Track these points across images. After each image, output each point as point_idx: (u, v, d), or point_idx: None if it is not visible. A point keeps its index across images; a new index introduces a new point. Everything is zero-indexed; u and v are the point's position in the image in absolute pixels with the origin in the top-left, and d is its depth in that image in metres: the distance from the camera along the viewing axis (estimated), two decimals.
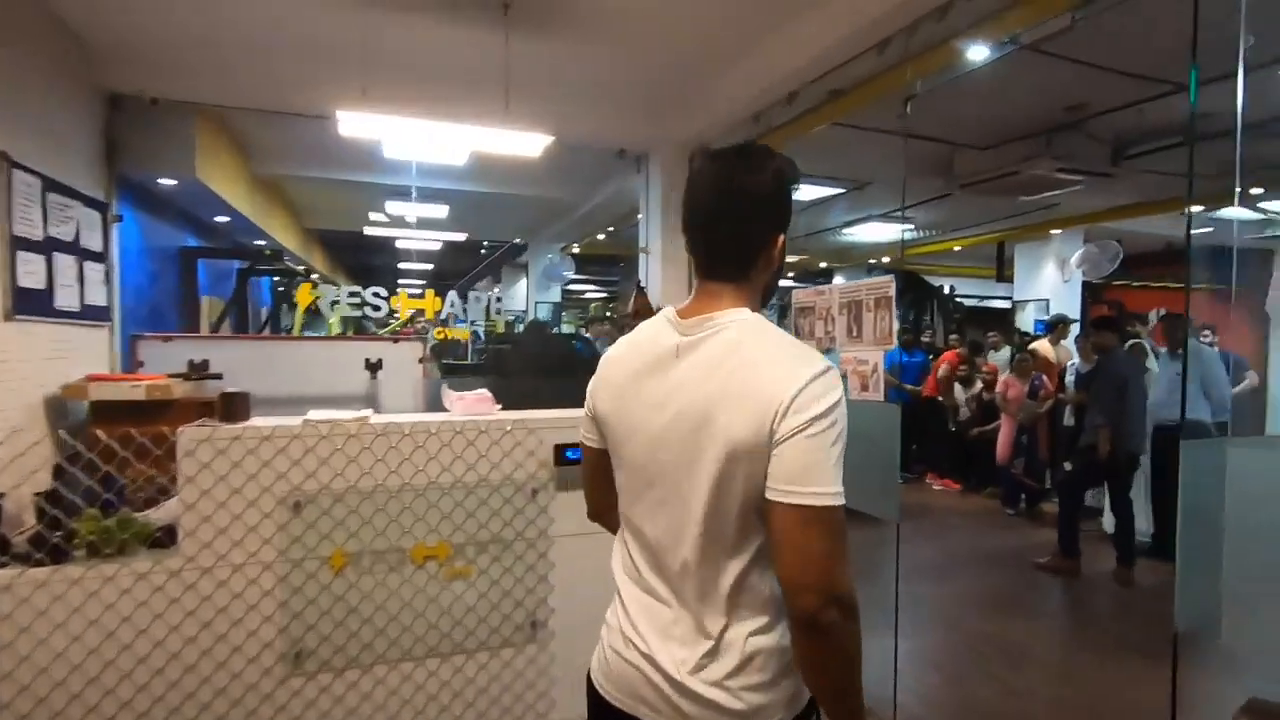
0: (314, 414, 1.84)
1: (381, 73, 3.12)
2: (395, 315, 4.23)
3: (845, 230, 7.68)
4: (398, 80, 3.21)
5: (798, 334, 3.21)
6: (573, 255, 8.70)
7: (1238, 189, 4.94)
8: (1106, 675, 3.11)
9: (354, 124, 2.54)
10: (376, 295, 3.73)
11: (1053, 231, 6.73)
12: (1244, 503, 1.62)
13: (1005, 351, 7.37)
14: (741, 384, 0.84)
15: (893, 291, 2.49)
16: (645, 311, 4.26)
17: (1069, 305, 6.96)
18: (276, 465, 1.72)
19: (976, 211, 6.69)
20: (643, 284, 4.45)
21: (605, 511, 1.08)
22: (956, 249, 7.73)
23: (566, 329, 10.25)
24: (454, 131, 2.69)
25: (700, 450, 0.85)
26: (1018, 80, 3.51)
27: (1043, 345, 6.78)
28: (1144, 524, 4.77)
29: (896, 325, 2.54)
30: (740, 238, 0.91)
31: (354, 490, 1.81)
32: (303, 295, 3.65)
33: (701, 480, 0.85)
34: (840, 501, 0.80)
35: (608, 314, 7.40)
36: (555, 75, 3.34)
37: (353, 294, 3.73)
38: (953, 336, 7.24)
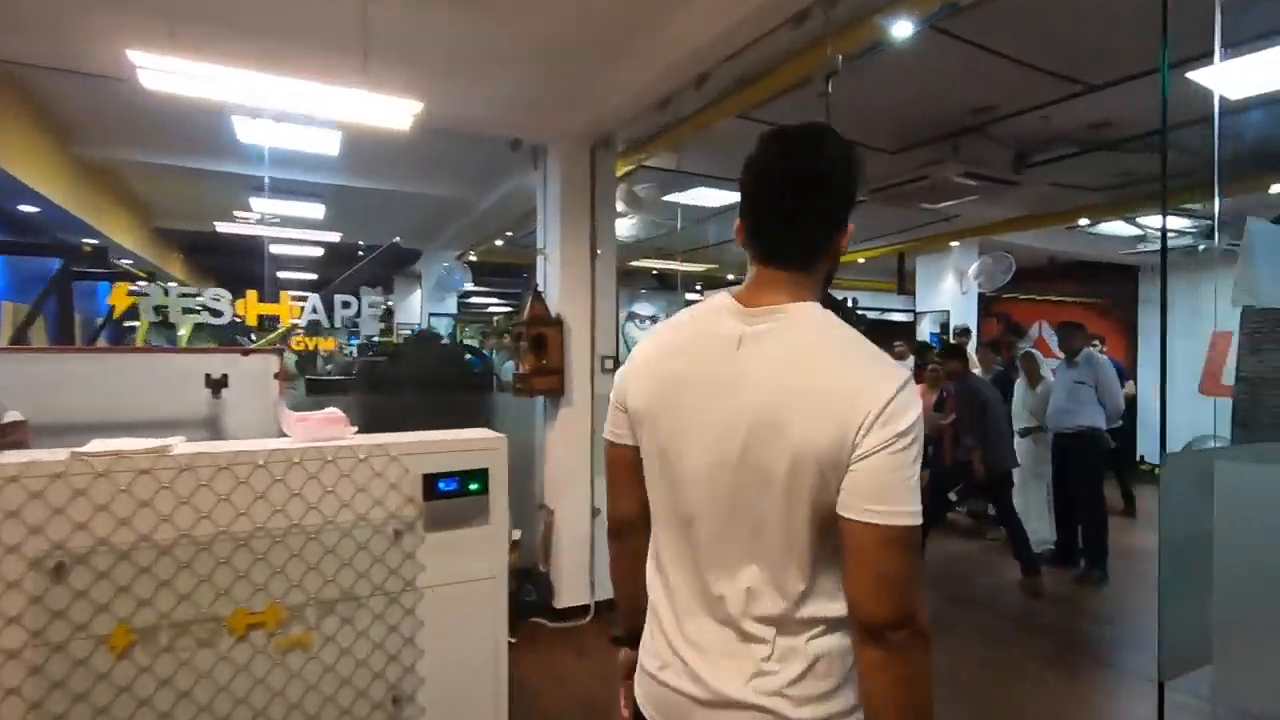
0: (95, 444, 1.46)
1: (200, 23, 2.56)
2: (277, 324, 3.57)
3: None
4: (223, 35, 2.65)
5: None
6: (470, 263, 8.13)
7: (1164, 198, 5.20)
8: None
9: (156, 72, 1.99)
10: (217, 298, 3.10)
11: (952, 244, 6.84)
12: (1236, 521, 1.40)
13: (910, 361, 7.42)
14: (821, 386, 0.79)
15: None
16: (541, 319, 3.83)
17: (967, 317, 7.10)
18: (29, 516, 1.35)
19: (880, 222, 6.70)
20: (540, 289, 4.02)
21: (634, 521, 0.99)
22: (860, 261, 7.76)
23: (472, 343, 9.65)
24: (288, 88, 2.18)
25: (767, 452, 0.80)
26: (929, 77, 3.38)
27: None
28: (1047, 531, 4.82)
29: None
30: (811, 223, 0.86)
31: (147, 544, 1.45)
32: (118, 297, 2.97)
33: (767, 484, 0.80)
34: (919, 521, 0.77)
35: (510, 328, 6.93)
36: (426, 40, 2.88)
37: (185, 294, 3.09)
38: None
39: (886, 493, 0.76)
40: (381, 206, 5.98)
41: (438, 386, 4.23)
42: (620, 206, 4.45)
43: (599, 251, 3.99)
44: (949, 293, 7.04)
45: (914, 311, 7.69)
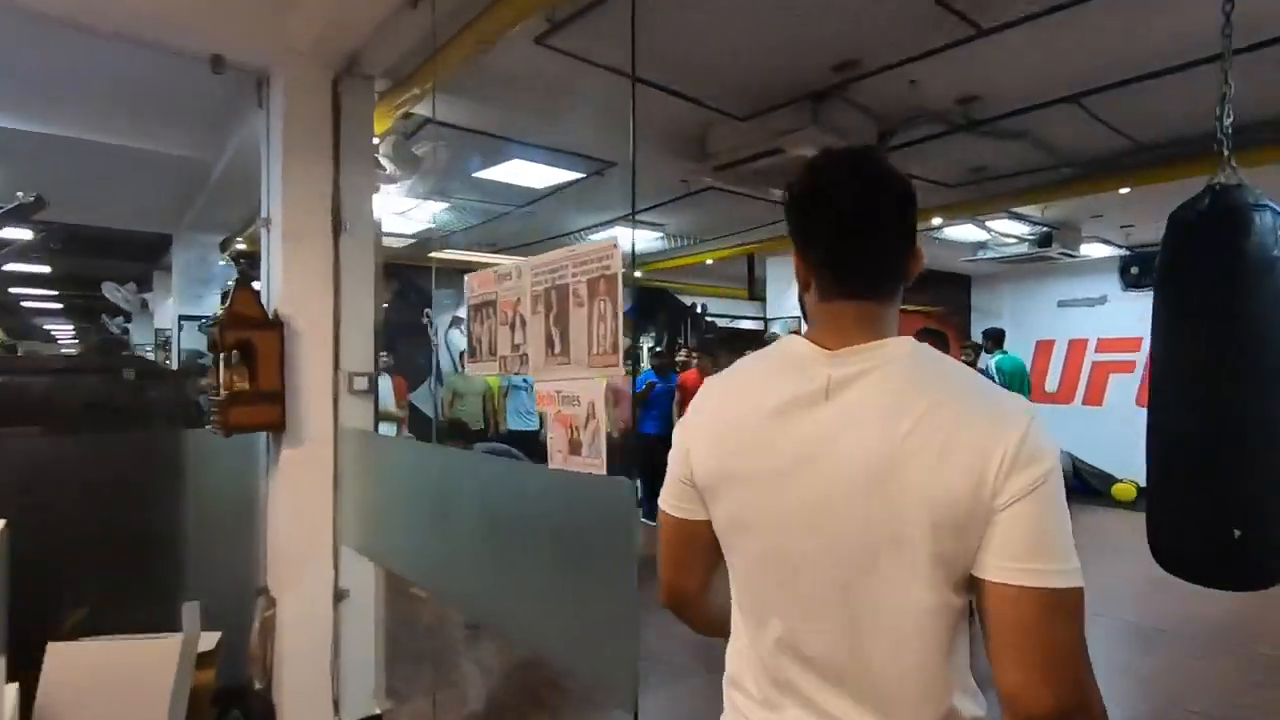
0: None
1: None
2: None
3: (588, 235, 6.62)
4: None
5: (472, 350, 2.19)
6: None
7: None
8: None
9: None
10: None
11: None
12: None
13: None
14: (942, 431, 0.70)
15: (618, 267, 1.53)
16: (247, 320, 2.58)
17: None
18: None
19: (729, 220, 6.01)
20: (253, 273, 2.79)
21: (695, 597, 0.91)
22: (709, 262, 7.08)
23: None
24: None
25: (883, 516, 0.70)
26: (786, 13, 2.58)
27: None
28: None
29: (627, 341, 1.39)
30: (891, 246, 0.80)
31: None
32: None
33: (885, 555, 0.70)
34: (1082, 582, 0.66)
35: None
36: None
37: None
38: (693, 355, 6.51)
39: (1044, 547, 0.66)
40: (77, 167, 4.34)
41: (99, 420, 2.84)
42: (387, 167, 3.29)
43: (347, 226, 2.82)
44: None
45: (764, 319, 7.13)
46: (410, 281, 7.64)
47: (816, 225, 0.80)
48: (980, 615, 0.69)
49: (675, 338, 8.78)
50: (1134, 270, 7.81)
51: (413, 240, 6.95)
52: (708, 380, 0.89)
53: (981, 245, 6.82)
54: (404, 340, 7.60)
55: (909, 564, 0.69)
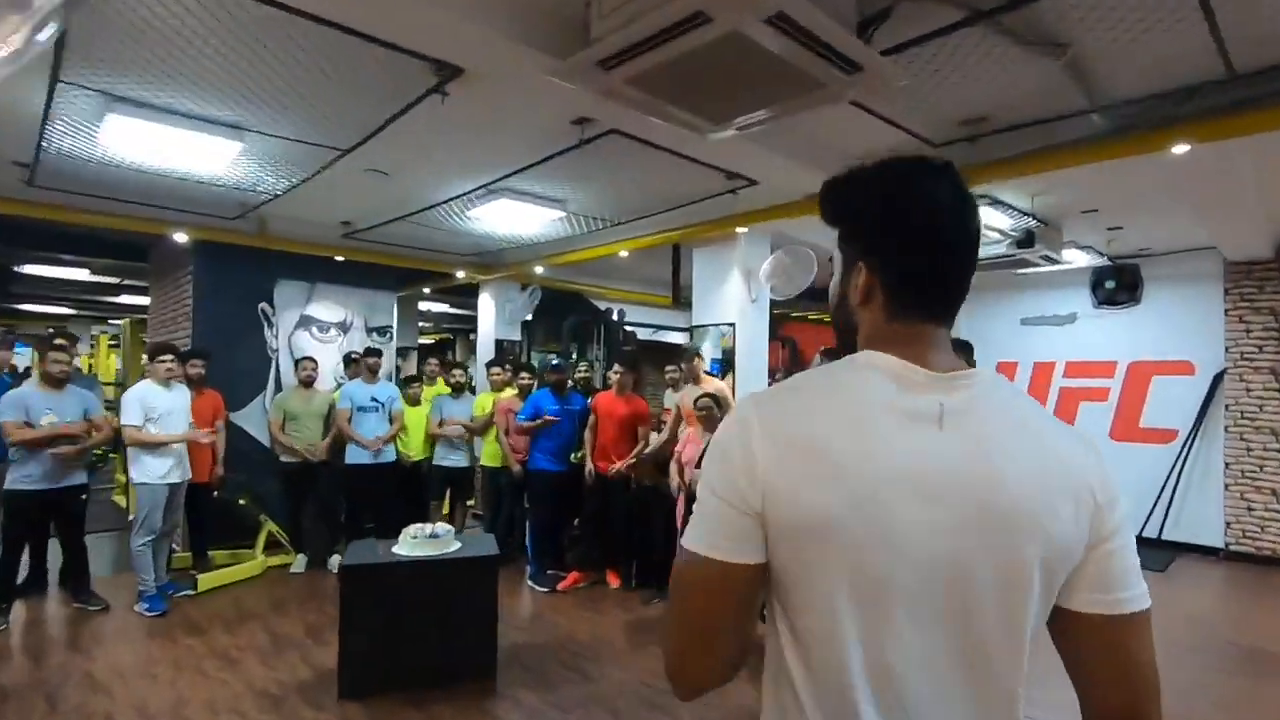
0: None
1: None
2: None
3: (472, 215, 5.13)
4: None
5: None
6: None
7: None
8: None
9: None
10: None
11: (738, 230, 4.97)
12: None
13: (688, 392, 5.42)
14: (1056, 465, 0.72)
15: None
16: None
17: (758, 334, 5.30)
18: None
19: (644, 192, 4.63)
20: None
21: (724, 674, 0.75)
22: (623, 254, 5.67)
23: None
24: None
25: (1010, 556, 0.69)
26: None
27: (723, 388, 4.93)
28: None
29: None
30: (973, 268, 0.79)
31: None
32: None
33: (1007, 596, 0.69)
34: None
35: None
36: None
37: None
38: (613, 372, 5.07)
39: (1135, 575, 0.74)
40: None
41: None
42: None
43: None
44: (735, 300, 5.17)
45: (690, 328, 5.79)
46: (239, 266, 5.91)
47: (912, 237, 0.76)
48: (1070, 643, 0.74)
49: (587, 346, 7.34)
50: (1109, 284, 6.88)
51: (240, 216, 5.28)
52: (762, 397, 0.77)
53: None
54: (236, 344, 5.85)
55: (1032, 596, 0.70)
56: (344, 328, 6.54)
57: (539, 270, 6.56)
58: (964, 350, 3.14)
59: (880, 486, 0.68)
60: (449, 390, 6.00)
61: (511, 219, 5.16)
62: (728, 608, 0.72)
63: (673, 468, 4.50)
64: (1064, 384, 7.31)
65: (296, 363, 5.54)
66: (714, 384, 4.84)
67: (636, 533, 5.03)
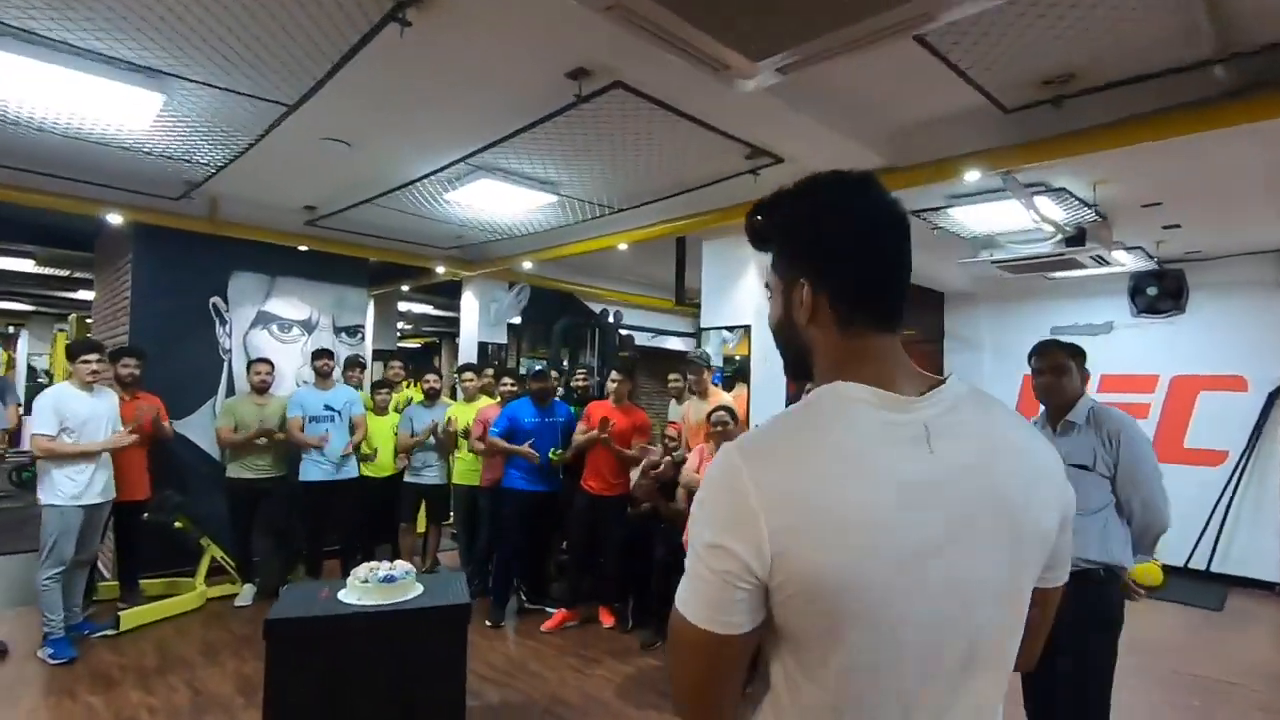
0: None
1: None
2: None
3: (450, 199, 4.48)
4: None
5: None
6: None
7: None
8: None
9: None
10: None
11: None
12: None
13: (692, 406, 4.81)
14: (1036, 467, 0.76)
15: None
16: None
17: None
18: None
19: (648, 169, 4.00)
20: None
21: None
22: (622, 247, 5.03)
23: None
24: None
25: (1010, 560, 0.72)
26: None
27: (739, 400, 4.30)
28: None
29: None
30: (910, 273, 0.80)
31: None
32: None
33: (1008, 601, 0.74)
34: None
35: None
36: None
37: None
38: (611, 380, 4.42)
39: (1070, 551, 0.83)
40: None
41: None
42: None
43: None
44: (750, 299, 4.53)
45: (696, 332, 5.16)
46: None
47: (853, 245, 0.76)
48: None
49: (579, 352, 6.70)
50: (1150, 291, 6.30)
51: (186, 196, 4.63)
52: (749, 449, 0.71)
53: (986, 242, 5.10)
54: (182, 343, 5.18)
55: (1022, 609, 0.74)
56: (309, 326, 5.86)
57: (527, 266, 5.91)
58: (1077, 355, 2.56)
59: (888, 531, 0.67)
60: (422, 398, 5.34)
61: (496, 203, 4.51)
62: (731, 671, 0.72)
63: (681, 492, 3.86)
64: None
65: (249, 365, 4.85)
66: (723, 397, 4.20)
67: (635, 564, 4.37)
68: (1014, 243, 4.92)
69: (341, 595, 2.83)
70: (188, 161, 4.00)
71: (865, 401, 0.71)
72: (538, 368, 4.64)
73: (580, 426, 4.51)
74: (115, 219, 4.63)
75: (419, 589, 2.93)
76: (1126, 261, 5.54)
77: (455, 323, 9.72)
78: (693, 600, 0.70)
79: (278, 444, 4.75)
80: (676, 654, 0.74)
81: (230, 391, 5.36)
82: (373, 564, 2.98)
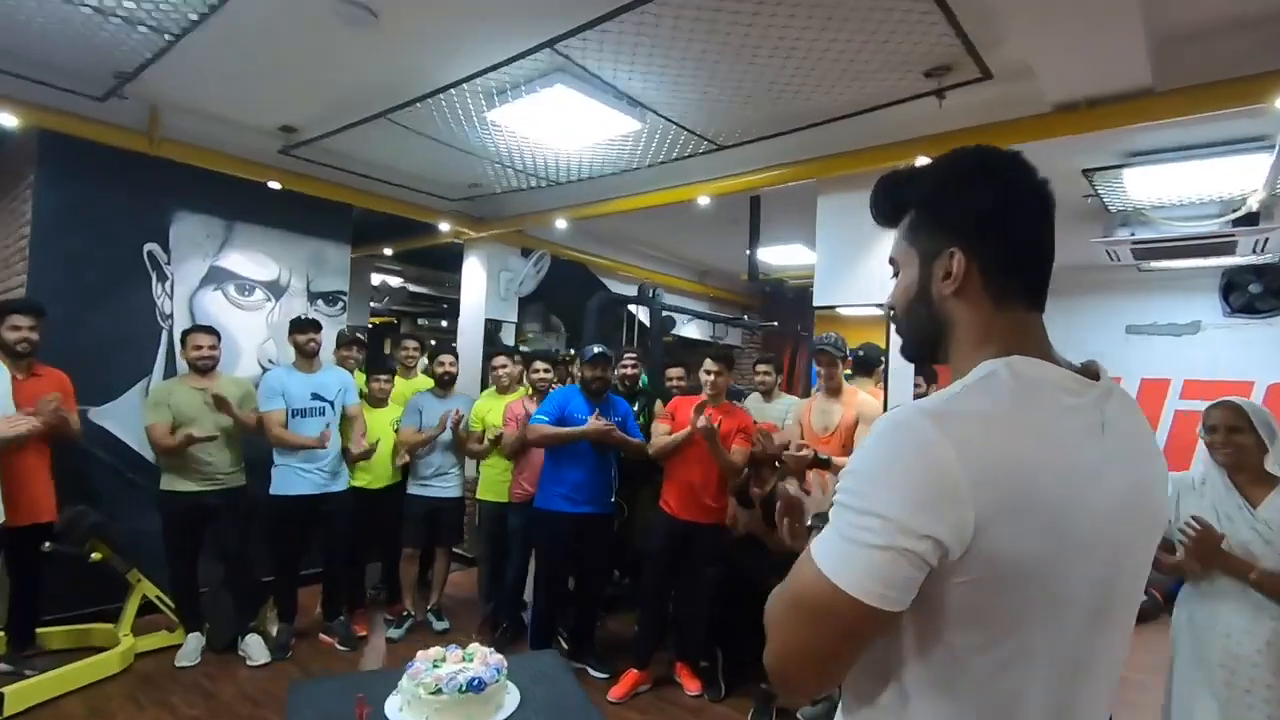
0: None
1: None
2: None
3: (495, 118, 3.31)
4: None
5: None
6: None
7: None
8: None
9: None
10: None
11: (895, 167, 3.35)
12: None
13: (783, 403, 3.85)
14: (1162, 465, 0.77)
15: None
16: None
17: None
18: None
19: (786, 95, 2.96)
20: None
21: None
22: (703, 201, 3.95)
23: None
24: None
25: (1144, 551, 0.75)
26: None
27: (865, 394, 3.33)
28: None
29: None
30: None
31: None
32: None
33: (1133, 602, 0.75)
34: None
35: None
36: None
37: None
38: (707, 371, 3.37)
39: None
40: None
41: None
42: None
43: None
44: (875, 271, 3.54)
45: (814, 310, 4.13)
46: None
47: (1021, 217, 0.74)
48: None
49: (610, 340, 5.58)
50: (1251, 288, 5.66)
51: (115, 95, 3.32)
52: (942, 414, 0.65)
53: (1127, 218, 4.27)
54: (103, 302, 3.83)
55: (1138, 601, 0.75)
56: (276, 289, 4.55)
57: (560, 224, 4.75)
58: None
59: (1079, 517, 0.66)
60: (433, 384, 4.16)
61: (554, 129, 3.36)
62: (862, 646, 0.68)
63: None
64: (1180, 406, 6.06)
65: (185, 336, 3.53)
66: (861, 396, 3.21)
67: (732, 612, 3.35)
68: (1170, 219, 4.10)
69: (396, 714, 1.70)
70: (116, 22, 2.68)
71: (1052, 382, 0.69)
72: (598, 350, 3.53)
73: (660, 426, 3.46)
74: (8, 120, 3.25)
75: (514, 698, 1.82)
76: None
77: (433, 301, 8.41)
78: (852, 567, 0.63)
79: (235, 440, 3.49)
80: (803, 615, 0.68)
81: (170, 368, 4.02)
82: (436, 653, 1.85)
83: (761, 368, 3.93)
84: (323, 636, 3.76)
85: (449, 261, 6.79)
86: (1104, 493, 0.67)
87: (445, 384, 4.08)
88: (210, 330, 3.49)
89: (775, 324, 5.98)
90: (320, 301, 4.75)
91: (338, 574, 3.80)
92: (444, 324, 8.92)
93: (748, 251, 4.50)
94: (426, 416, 3.98)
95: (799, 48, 2.59)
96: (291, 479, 3.54)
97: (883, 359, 3.48)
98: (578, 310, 5.17)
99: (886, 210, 0.83)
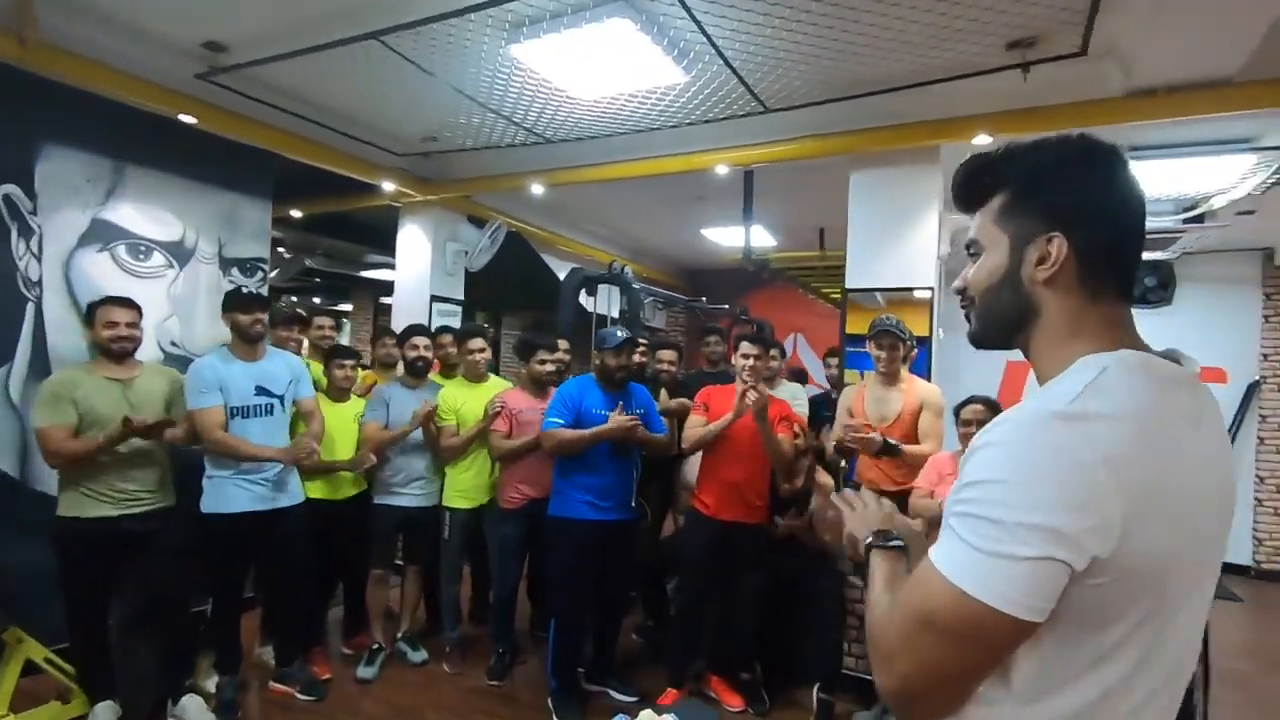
0: None
1: None
2: None
3: (520, 55, 2.75)
4: None
5: None
6: None
7: None
8: None
9: None
10: None
11: (941, 145, 3.22)
12: None
13: (786, 390, 3.68)
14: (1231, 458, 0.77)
15: None
16: None
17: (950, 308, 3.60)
18: None
19: (835, 55, 2.71)
20: None
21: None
22: (721, 170, 3.60)
23: None
24: None
25: (1223, 551, 0.74)
26: None
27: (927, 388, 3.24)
28: None
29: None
30: None
31: None
32: None
33: (1207, 602, 0.73)
34: None
35: None
36: None
37: None
38: (743, 355, 3.06)
39: None
40: None
41: None
42: None
43: None
44: (928, 256, 3.38)
45: (847, 291, 3.90)
46: None
47: (1122, 205, 0.72)
48: None
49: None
50: (1146, 281, 6.26)
51: None
52: (1078, 418, 0.62)
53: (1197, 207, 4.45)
54: None
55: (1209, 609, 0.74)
56: (180, 253, 3.60)
57: (536, 190, 4.18)
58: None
59: (1200, 516, 0.67)
60: (405, 374, 3.50)
61: (589, 72, 2.87)
62: (999, 660, 0.65)
63: (919, 523, 2.66)
64: None
65: (93, 310, 2.65)
66: (918, 382, 3.06)
67: (771, 617, 3.09)
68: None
69: None
70: None
71: (1164, 377, 0.68)
72: (623, 335, 3.09)
73: (695, 418, 3.11)
74: None
75: None
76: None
77: (340, 280, 7.34)
78: (1001, 582, 0.60)
79: (163, 447, 2.68)
80: (941, 636, 0.64)
81: (40, 354, 3.03)
82: None
83: (711, 338, 3.94)
84: (274, 685, 3.03)
85: (366, 233, 5.90)
86: (1209, 487, 0.68)
87: (418, 372, 3.44)
88: (129, 303, 2.62)
89: (734, 308, 5.78)
90: (235, 270, 3.85)
91: (292, 608, 3.07)
92: (347, 307, 7.84)
93: (743, 229, 4.22)
94: (395, 410, 3.33)
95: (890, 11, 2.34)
96: (229, 493, 2.77)
97: (911, 342, 3.35)
98: (516, 285, 4.62)
99: (975, 190, 0.78)
